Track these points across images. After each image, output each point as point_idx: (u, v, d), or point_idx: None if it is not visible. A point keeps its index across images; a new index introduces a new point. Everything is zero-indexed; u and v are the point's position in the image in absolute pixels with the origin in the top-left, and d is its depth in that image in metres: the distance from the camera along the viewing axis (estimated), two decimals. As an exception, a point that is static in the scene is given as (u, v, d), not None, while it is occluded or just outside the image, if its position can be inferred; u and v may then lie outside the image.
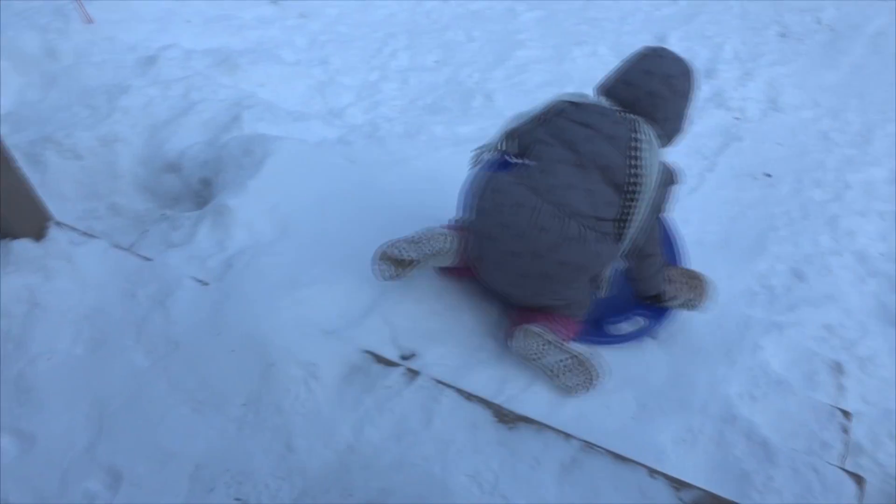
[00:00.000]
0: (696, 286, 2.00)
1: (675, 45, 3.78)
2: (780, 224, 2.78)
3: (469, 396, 1.61)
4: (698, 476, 1.54)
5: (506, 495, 1.42)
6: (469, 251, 1.78)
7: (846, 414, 1.94)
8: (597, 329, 1.93)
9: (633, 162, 1.72)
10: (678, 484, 1.44)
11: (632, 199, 1.72)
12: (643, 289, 1.95)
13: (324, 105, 3.24)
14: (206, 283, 1.89)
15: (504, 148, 1.93)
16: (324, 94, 3.30)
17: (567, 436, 1.52)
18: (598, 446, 1.50)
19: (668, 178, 1.80)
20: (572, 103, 1.83)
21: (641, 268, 1.88)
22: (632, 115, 1.79)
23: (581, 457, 1.47)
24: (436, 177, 2.72)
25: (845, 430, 1.88)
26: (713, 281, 2.01)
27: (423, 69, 3.63)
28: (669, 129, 1.84)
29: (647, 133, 1.74)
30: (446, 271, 1.94)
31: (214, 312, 1.79)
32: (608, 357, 1.80)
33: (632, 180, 1.71)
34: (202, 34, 3.64)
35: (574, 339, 1.81)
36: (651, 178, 1.71)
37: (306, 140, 2.64)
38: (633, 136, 1.74)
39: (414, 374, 1.66)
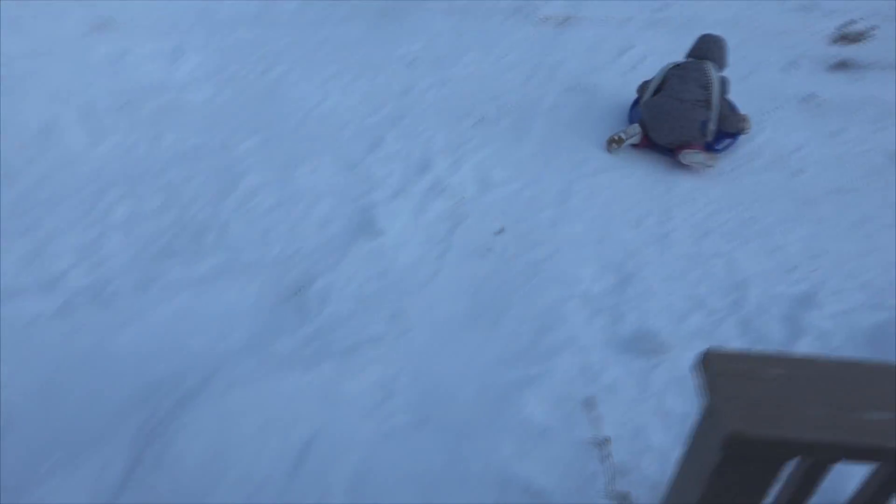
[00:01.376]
0: (745, 119, 4.15)
1: (391, 146, 4.11)
2: (516, 286, 3.08)
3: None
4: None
5: None
6: (648, 131, 4.06)
7: (604, 442, 2.16)
8: (710, 146, 4.06)
9: (706, 77, 4.06)
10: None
11: (710, 91, 4.03)
12: (731, 129, 4.11)
13: (37, 276, 2.96)
14: None
15: (651, 92, 4.25)
16: (35, 264, 3.02)
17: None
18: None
19: (725, 80, 4.17)
20: (676, 65, 4.22)
21: (728, 121, 4.08)
22: (703, 60, 4.18)
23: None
24: (175, 324, 2.63)
25: (607, 457, 2.09)
26: (749, 115, 4.22)
27: (147, 215, 3.50)
28: (721, 62, 4.24)
29: (709, 65, 4.12)
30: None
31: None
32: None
33: (707, 83, 4.04)
34: None
35: (704, 151, 3.96)
36: (715, 81, 4.05)
37: (18, 319, 2.40)
38: (705, 67, 4.11)
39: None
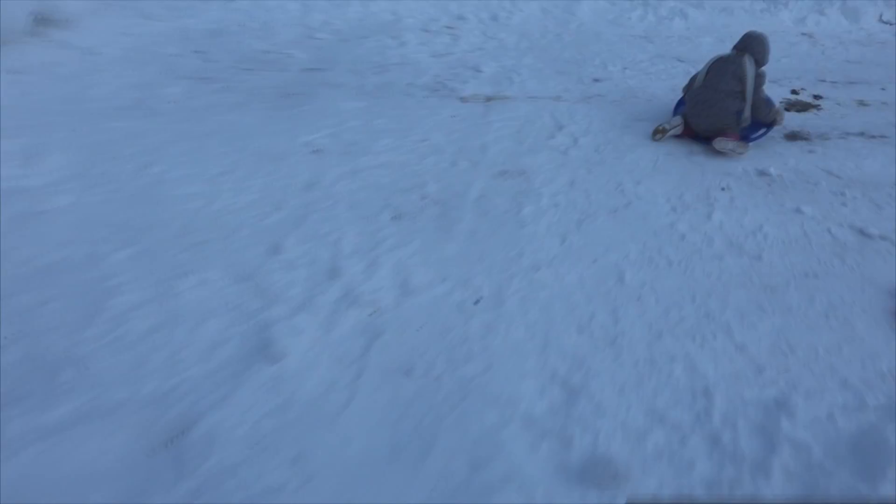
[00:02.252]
0: (779, 112, 5.47)
1: (293, 250, 4.06)
2: (445, 411, 3.00)
3: None
4: None
5: None
6: (688, 120, 5.44)
7: None
8: (745, 136, 5.34)
9: (741, 69, 5.32)
10: None
11: (744, 83, 5.29)
12: (764, 119, 5.42)
13: None
14: None
15: (698, 82, 5.64)
16: None
17: None
18: None
19: (761, 74, 5.42)
20: (719, 58, 5.51)
21: (761, 112, 5.40)
22: (743, 53, 5.42)
23: None
24: (16, 492, 2.44)
25: None
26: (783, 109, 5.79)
27: (-12, 352, 3.31)
28: (761, 58, 5.43)
29: (747, 59, 5.37)
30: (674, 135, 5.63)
31: None
32: None
33: (742, 76, 5.29)
34: None
35: (738, 139, 5.31)
36: (751, 76, 5.29)
37: None
38: (741, 60, 5.36)
39: None
